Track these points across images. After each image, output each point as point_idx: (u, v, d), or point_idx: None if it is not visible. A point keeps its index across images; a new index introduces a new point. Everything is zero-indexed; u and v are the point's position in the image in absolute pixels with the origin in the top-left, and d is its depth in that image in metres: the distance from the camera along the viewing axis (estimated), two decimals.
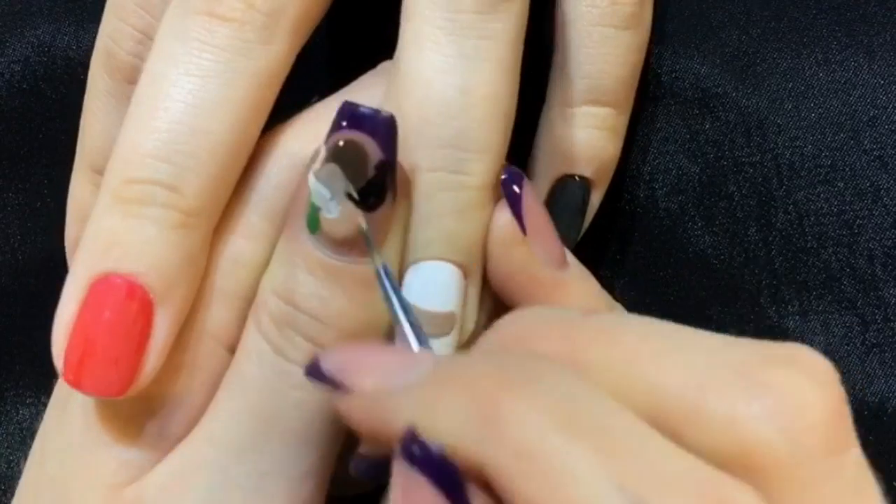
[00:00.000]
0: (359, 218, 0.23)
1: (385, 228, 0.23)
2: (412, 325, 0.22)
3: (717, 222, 0.30)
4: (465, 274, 0.25)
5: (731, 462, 0.18)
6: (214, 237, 0.25)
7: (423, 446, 0.18)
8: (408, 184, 0.24)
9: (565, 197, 0.29)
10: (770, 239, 0.30)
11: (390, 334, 0.24)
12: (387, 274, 0.23)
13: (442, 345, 0.25)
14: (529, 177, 0.30)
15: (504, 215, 0.25)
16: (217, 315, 0.25)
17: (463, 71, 0.24)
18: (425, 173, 0.24)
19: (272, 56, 0.24)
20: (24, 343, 0.32)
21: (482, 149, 0.24)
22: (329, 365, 0.21)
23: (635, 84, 0.29)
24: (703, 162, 0.30)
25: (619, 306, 0.26)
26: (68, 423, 0.25)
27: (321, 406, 0.24)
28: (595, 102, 0.28)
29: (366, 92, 0.25)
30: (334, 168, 0.22)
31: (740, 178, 0.30)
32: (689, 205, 0.31)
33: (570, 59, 0.28)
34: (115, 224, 0.23)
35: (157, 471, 0.24)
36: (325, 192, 0.22)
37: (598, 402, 0.18)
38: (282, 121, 0.26)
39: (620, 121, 0.29)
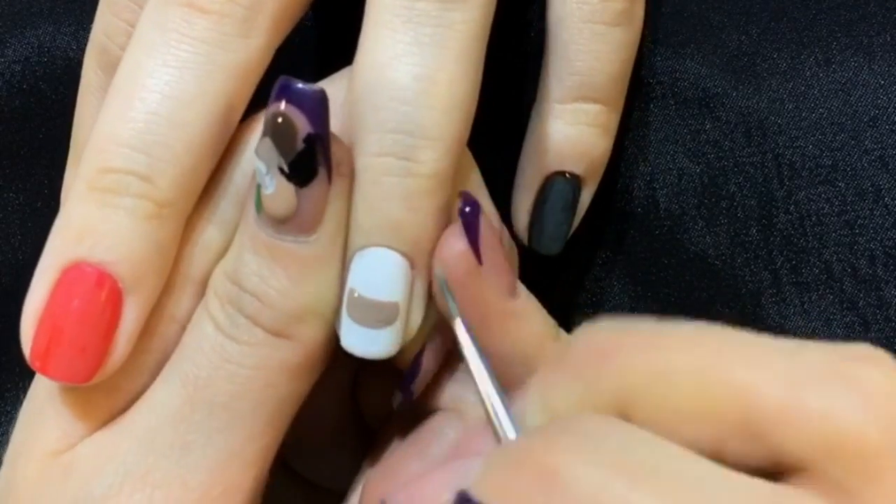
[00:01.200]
0: (291, 193, 0.23)
1: (320, 206, 0.23)
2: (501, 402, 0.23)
3: (718, 223, 0.30)
4: (412, 265, 0.24)
5: (823, 457, 0.18)
6: (187, 224, 0.25)
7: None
8: (349, 164, 0.24)
9: (555, 194, 0.29)
10: (771, 239, 0.30)
11: (332, 321, 0.24)
12: (474, 341, 0.24)
13: (385, 336, 0.24)
14: (519, 174, 0.30)
15: (459, 244, 0.24)
16: (181, 300, 0.25)
17: (417, 57, 0.24)
18: (373, 157, 0.24)
19: (251, 49, 0.24)
20: None
21: (433, 136, 0.24)
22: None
23: (626, 81, 0.29)
24: (703, 162, 0.30)
25: (563, 332, 0.26)
26: (34, 399, 0.26)
27: (252, 384, 0.24)
28: (585, 99, 0.28)
29: (339, 83, 0.25)
30: (267, 142, 0.22)
31: (741, 179, 0.30)
32: (690, 205, 0.31)
33: (561, 55, 0.28)
34: (88, 212, 0.23)
35: (91, 437, 0.25)
36: (262, 167, 0.23)
37: (650, 444, 0.18)
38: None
39: (611, 118, 0.29)
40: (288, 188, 0.23)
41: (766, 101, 0.30)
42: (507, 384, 0.24)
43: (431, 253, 0.25)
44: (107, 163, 0.23)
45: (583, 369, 0.20)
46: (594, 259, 0.32)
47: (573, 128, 0.28)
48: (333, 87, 0.24)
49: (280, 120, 0.22)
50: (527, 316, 0.25)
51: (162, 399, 0.24)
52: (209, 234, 0.25)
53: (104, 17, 0.27)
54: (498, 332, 0.25)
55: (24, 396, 0.29)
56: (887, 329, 0.29)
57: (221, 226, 0.25)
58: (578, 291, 0.32)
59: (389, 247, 0.24)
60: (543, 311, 0.26)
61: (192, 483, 0.24)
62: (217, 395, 0.24)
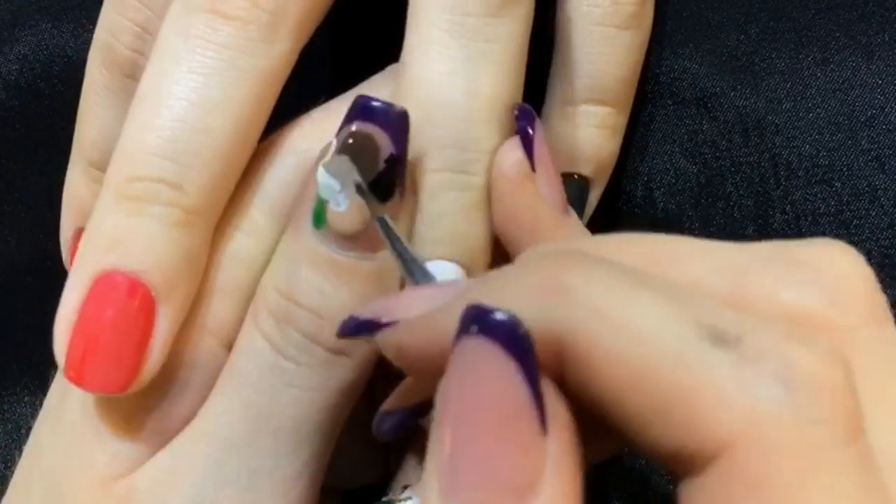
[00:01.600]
0: (369, 210, 0.23)
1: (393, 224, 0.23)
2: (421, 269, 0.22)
3: (715, 223, 0.30)
4: (468, 273, 0.25)
5: (782, 341, 0.17)
6: (216, 233, 0.25)
7: (488, 313, 0.16)
8: (413, 182, 0.24)
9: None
10: (767, 239, 0.30)
11: None
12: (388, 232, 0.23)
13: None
14: None
15: (516, 152, 0.24)
16: (216, 311, 0.25)
17: (469, 74, 0.24)
18: (431, 173, 0.24)
19: (275, 55, 0.24)
20: (21, 342, 0.32)
21: (485, 150, 0.24)
22: (366, 312, 0.21)
23: (635, 83, 0.29)
24: (700, 162, 0.30)
25: None
26: (65, 416, 0.25)
27: (314, 405, 0.24)
28: (595, 101, 0.28)
29: (374, 92, 0.25)
30: (345, 160, 0.22)
31: (738, 179, 0.30)
32: (687, 205, 0.31)
33: (571, 58, 0.28)
34: (118, 221, 0.23)
35: (149, 464, 0.24)
36: (335, 185, 0.22)
37: (657, 276, 0.18)
38: (288, 120, 0.26)
39: (620, 120, 0.29)
40: (362, 206, 0.23)
41: (763, 100, 0.30)
42: None
43: (486, 259, 0.25)
44: (135, 171, 0.23)
45: (527, 299, 0.18)
46: None
47: (583, 130, 0.29)
48: (375, 94, 0.24)
49: (363, 139, 0.22)
50: (576, 234, 0.25)
51: (223, 427, 0.24)
52: (240, 241, 0.25)
53: (109, 15, 0.27)
54: (548, 242, 0.24)
55: (21, 395, 0.29)
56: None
57: (251, 234, 0.25)
58: None
59: (452, 259, 0.24)
60: (590, 236, 0.26)
61: None
62: (281, 421, 0.24)
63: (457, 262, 0.25)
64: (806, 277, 0.18)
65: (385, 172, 0.23)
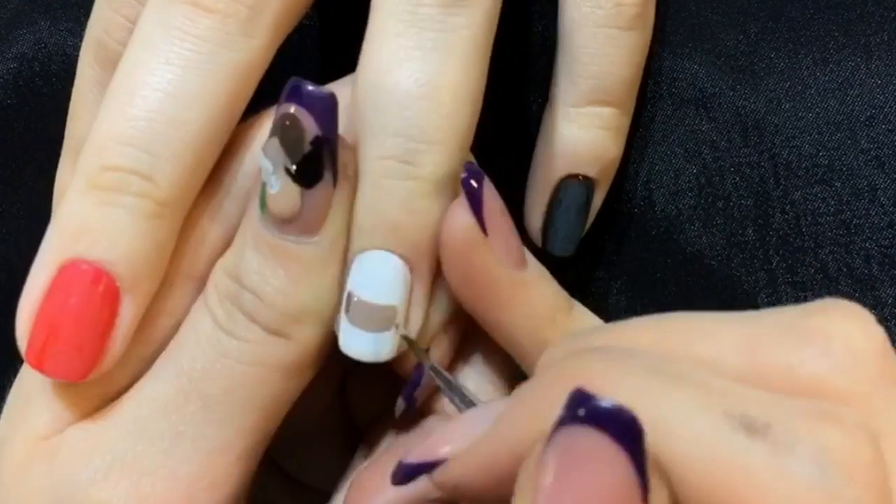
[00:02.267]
0: (296, 193, 0.23)
1: (324, 208, 0.23)
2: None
3: (715, 223, 0.30)
4: (412, 269, 0.24)
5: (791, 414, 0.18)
6: (184, 220, 0.25)
7: (595, 400, 0.16)
8: (354, 167, 0.24)
9: (569, 196, 0.29)
10: (767, 239, 0.30)
11: (329, 322, 0.24)
12: (436, 372, 0.24)
13: (383, 339, 0.24)
14: (532, 176, 0.30)
15: (464, 216, 0.24)
16: (178, 295, 0.25)
17: (420, 62, 0.24)
18: (374, 160, 0.24)
19: (254, 49, 0.24)
20: None
21: (435, 140, 0.24)
22: (414, 457, 0.22)
23: (638, 84, 0.29)
24: (700, 162, 0.30)
25: (577, 304, 0.26)
26: (21, 382, 0.26)
27: (246, 378, 0.24)
28: (599, 103, 0.28)
29: (347, 86, 0.25)
30: (275, 141, 0.22)
31: (737, 179, 0.30)
32: (687, 205, 0.30)
33: (575, 59, 0.28)
34: (88, 210, 0.23)
35: (79, 423, 0.25)
36: (269, 167, 0.23)
37: (671, 361, 0.18)
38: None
39: (623, 121, 0.29)
40: (293, 189, 0.23)
41: (763, 100, 0.30)
42: (518, 358, 0.24)
43: (432, 257, 0.24)
44: (108, 160, 0.23)
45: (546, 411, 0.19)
46: (591, 259, 0.32)
47: (587, 131, 0.29)
48: (342, 89, 0.24)
49: (289, 121, 0.22)
50: (536, 287, 0.25)
51: (155, 389, 0.24)
52: (208, 230, 0.25)
53: (102, 12, 0.27)
54: (506, 304, 0.24)
55: None
56: (883, 329, 0.29)
57: (221, 223, 0.25)
58: (575, 292, 0.32)
59: (388, 249, 0.24)
60: (555, 284, 0.25)
61: (180, 473, 0.24)
62: (211, 389, 0.24)
63: (396, 253, 0.24)
64: (817, 349, 0.18)
65: (311, 155, 0.22)
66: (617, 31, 0.28)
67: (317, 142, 0.22)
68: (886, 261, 0.29)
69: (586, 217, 0.30)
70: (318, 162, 0.23)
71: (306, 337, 0.24)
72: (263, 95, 0.25)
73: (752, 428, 0.16)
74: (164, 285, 0.25)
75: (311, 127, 0.22)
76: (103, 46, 0.27)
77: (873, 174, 0.29)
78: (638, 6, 0.28)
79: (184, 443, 0.24)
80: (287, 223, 0.23)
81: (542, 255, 0.29)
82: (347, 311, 0.24)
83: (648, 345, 0.19)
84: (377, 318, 0.24)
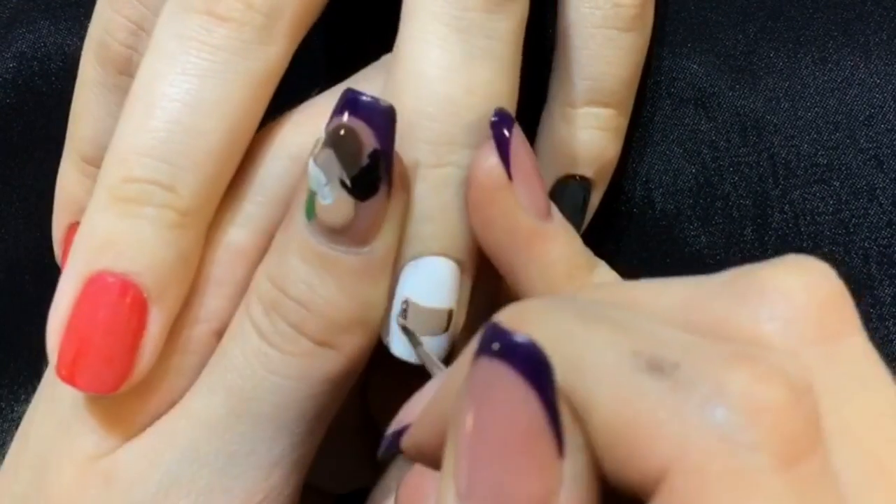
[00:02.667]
0: (350, 205, 0.23)
1: (378, 220, 0.23)
2: None
3: (714, 222, 0.30)
4: (462, 270, 0.25)
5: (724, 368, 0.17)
6: (210, 226, 0.25)
7: (507, 335, 0.16)
8: (406, 178, 0.24)
9: (566, 196, 0.29)
10: (766, 239, 0.30)
11: (376, 330, 0.24)
12: (427, 358, 0.24)
13: (437, 343, 0.25)
14: None
15: (490, 158, 0.24)
16: (209, 302, 0.25)
17: (469, 70, 0.24)
18: (431, 169, 0.24)
19: (270, 56, 0.24)
20: (19, 340, 0.32)
21: None
22: (391, 426, 0.22)
23: (636, 85, 0.29)
24: (699, 162, 0.30)
25: (602, 264, 0.26)
26: (55, 401, 0.26)
27: (296, 393, 0.24)
28: (597, 103, 0.28)
29: (367, 84, 0.25)
30: (330, 153, 0.22)
31: (736, 178, 0.30)
32: (686, 205, 0.30)
33: (573, 60, 0.28)
34: (111, 223, 0.23)
35: (131, 443, 0.25)
36: (322, 178, 0.23)
37: (607, 306, 0.18)
38: (281, 114, 0.26)
39: (621, 122, 0.29)
40: (347, 201, 0.23)
41: (762, 100, 0.30)
42: None
43: (479, 259, 0.25)
44: (129, 172, 0.23)
45: None
46: None
47: (585, 132, 0.29)
48: (368, 85, 0.24)
49: (347, 133, 0.22)
50: (557, 240, 0.25)
51: (205, 408, 0.24)
52: (233, 234, 0.25)
53: (104, 12, 0.27)
54: (525, 254, 0.24)
55: (19, 394, 0.29)
56: (881, 328, 0.29)
57: (246, 227, 0.25)
58: None
59: (447, 254, 0.24)
60: (579, 243, 0.25)
61: (235, 490, 0.24)
62: (262, 407, 0.24)
63: (453, 258, 0.24)
64: (752, 303, 0.18)
65: (368, 168, 0.22)
66: (615, 31, 0.28)
67: (375, 155, 0.22)
68: (885, 260, 0.29)
69: (583, 217, 0.30)
70: (375, 175, 0.23)
71: (353, 346, 0.24)
72: (279, 99, 0.25)
73: (657, 367, 0.16)
74: (193, 293, 0.25)
75: (369, 140, 0.22)
76: (104, 47, 0.27)
77: (872, 174, 0.29)
78: (636, 7, 0.28)
79: (237, 461, 0.24)
80: (338, 234, 0.23)
81: None
82: (404, 317, 0.24)
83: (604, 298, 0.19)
84: (433, 322, 0.24)
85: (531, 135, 0.30)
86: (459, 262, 0.25)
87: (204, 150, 0.23)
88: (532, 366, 0.16)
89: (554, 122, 0.29)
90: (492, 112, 0.24)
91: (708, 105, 0.30)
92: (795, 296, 0.18)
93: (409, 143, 0.24)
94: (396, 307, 0.24)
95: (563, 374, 0.16)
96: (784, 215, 0.29)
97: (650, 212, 0.31)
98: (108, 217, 0.23)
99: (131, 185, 0.23)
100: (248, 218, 0.25)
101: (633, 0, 0.28)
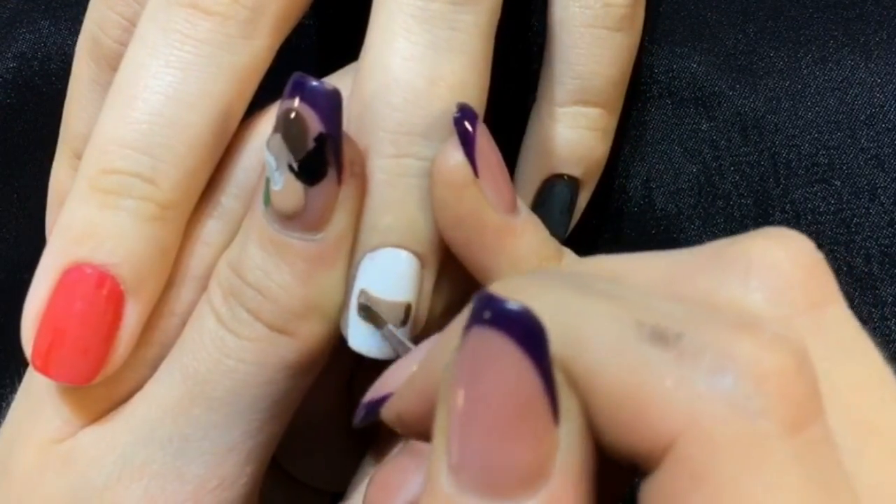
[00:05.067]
0: (300, 190, 0.23)
1: (328, 205, 0.23)
2: None
3: (715, 222, 0.30)
4: (423, 263, 0.24)
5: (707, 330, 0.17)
6: (188, 219, 0.25)
7: (500, 303, 0.16)
8: (361, 164, 0.24)
9: (553, 196, 0.29)
10: None
11: (334, 320, 0.24)
12: (392, 337, 0.24)
13: (392, 334, 0.24)
14: (518, 175, 0.30)
15: (455, 155, 0.23)
16: (182, 295, 0.25)
17: (432, 60, 0.24)
18: (389, 159, 0.24)
19: (254, 51, 0.24)
20: (19, 340, 0.32)
21: (446, 138, 0.24)
22: (368, 395, 0.22)
23: (626, 85, 0.29)
24: (700, 161, 0.30)
25: (569, 252, 0.25)
26: (32, 388, 0.26)
27: (251, 378, 0.24)
28: (585, 103, 0.28)
29: (343, 80, 0.25)
30: (278, 138, 0.22)
31: (737, 178, 0.30)
32: (687, 204, 0.30)
33: (562, 59, 0.28)
34: (91, 214, 0.23)
35: (91, 427, 0.25)
36: (273, 163, 0.23)
37: (600, 280, 0.18)
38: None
39: (610, 122, 0.29)
40: (296, 186, 0.23)
41: (762, 99, 0.30)
42: None
43: (441, 252, 0.25)
44: (109, 164, 0.23)
45: None
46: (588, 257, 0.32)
47: (573, 131, 0.28)
48: (340, 83, 0.24)
49: (292, 117, 0.22)
50: (525, 234, 0.24)
51: (162, 392, 0.24)
52: (211, 228, 0.25)
53: (97, 8, 0.27)
54: (494, 250, 0.24)
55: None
56: (883, 328, 0.29)
57: (222, 219, 0.25)
58: None
59: (406, 246, 0.24)
60: (546, 233, 0.25)
61: (188, 475, 0.24)
62: (216, 391, 0.24)
63: (411, 250, 0.24)
64: (737, 274, 0.18)
65: (314, 151, 0.22)
66: (605, 31, 0.28)
67: (320, 139, 0.22)
68: (886, 259, 0.29)
69: (570, 217, 0.29)
70: (321, 159, 0.23)
71: (310, 334, 0.24)
72: (262, 95, 0.25)
73: (662, 337, 0.16)
74: (168, 285, 0.25)
75: (314, 124, 0.22)
76: (98, 44, 0.27)
77: (873, 173, 0.29)
78: (626, 7, 0.28)
79: (191, 445, 0.24)
80: (291, 219, 0.23)
81: None
82: (362, 309, 0.24)
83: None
84: (391, 316, 0.24)
85: (520, 133, 0.30)
86: (419, 255, 0.24)
87: (185, 144, 0.23)
88: (526, 333, 0.16)
89: (542, 120, 0.29)
90: (454, 106, 0.24)
91: (708, 105, 0.30)
92: (781, 266, 0.18)
93: (370, 132, 0.24)
94: (353, 300, 0.24)
95: (561, 345, 0.16)
96: (785, 215, 0.29)
97: (651, 212, 0.31)
98: (88, 208, 0.23)
99: (111, 177, 0.23)
100: (225, 211, 0.25)
101: (623, 0, 0.28)
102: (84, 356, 0.23)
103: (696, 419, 0.15)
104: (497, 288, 0.17)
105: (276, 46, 0.25)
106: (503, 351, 0.16)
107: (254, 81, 0.25)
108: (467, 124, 0.23)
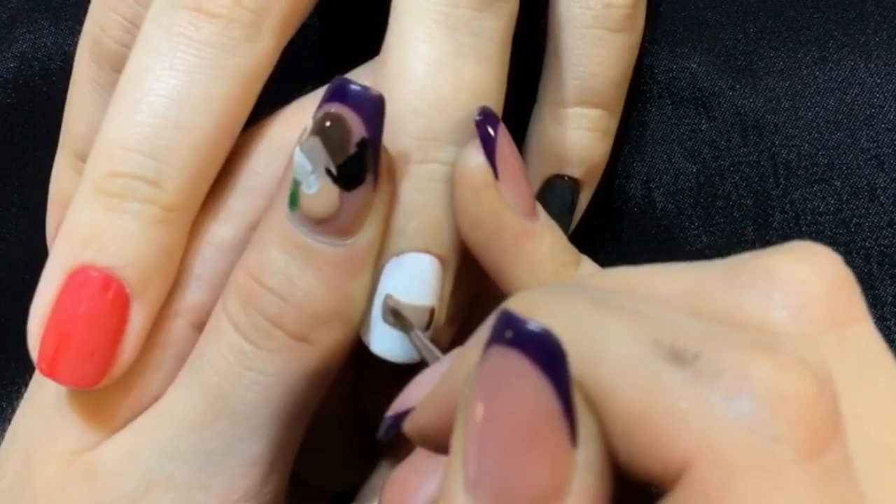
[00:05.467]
0: (335, 195, 0.22)
1: (363, 211, 0.23)
2: None
3: (715, 222, 0.30)
4: (444, 266, 0.24)
5: (730, 350, 0.17)
6: (194, 220, 0.25)
7: (520, 322, 0.16)
8: (393, 170, 0.24)
9: (554, 196, 0.29)
10: (767, 238, 0.30)
11: (355, 326, 0.24)
12: (421, 342, 0.24)
13: (419, 338, 0.24)
14: None
15: (476, 157, 0.23)
16: (190, 296, 0.25)
17: (457, 67, 0.24)
18: (417, 164, 0.24)
19: (257, 54, 0.24)
20: (20, 340, 0.32)
21: None
22: (391, 409, 0.22)
23: (626, 86, 0.29)
24: (700, 161, 0.30)
25: (585, 258, 0.26)
26: (40, 397, 0.26)
27: (273, 390, 0.24)
28: (587, 104, 0.28)
29: (363, 80, 0.25)
30: (317, 141, 0.22)
31: (737, 178, 0.30)
32: (687, 204, 0.30)
33: (563, 60, 0.28)
34: (95, 217, 0.23)
35: (114, 438, 0.25)
36: (307, 166, 0.22)
37: (620, 295, 0.18)
38: (271, 113, 0.26)
39: (611, 123, 0.29)
40: (332, 190, 0.22)
41: (762, 99, 0.30)
42: None
43: (462, 254, 0.25)
44: (114, 167, 0.23)
45: None
46: (590, 258, 0.32)
47: (574, 132, 0.28)
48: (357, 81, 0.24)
49: (333, 121, 0.22)
50: (543, 238, 0.24)
51: (184, 405, 0.24)
52: (216, 229, 0.25)
53: (98, 9, 0.27)
54: (512, 253, 0.24)
55: (20, 394, 0.29)
56: (882, 328, 0.29)
57: (229, 222, 0.25)
58: None
59: (430, 251, 0.24)
60: (564, 239, 0.25)
61: (213, 488, 0.24)
62: (239, 405, 0.24)
63: (435, 254, 0.24)
64: (760, 289, 0.18)
65: (356, 157, 0.22)
66: (606, 32, 0.28)
67: (362, 144, 0.22)
68: (886, 259, 0.29)
69: (571, 217, 0.29)
70: (361, 164, 0.22)
71: (331, 341, 0.24)
72: (267, 97, 0.25)
73: (679, 356, 0.16)
74: (174, 286, 0.25)
75: (358, 129, 0.22)
76: (99, 44, 0.27)
77: (873, 173, 0.29)
78: (627, 8, 0.28)
79: (215, 458, 0.24)
80: (321, 224, 0.23)
81: None
82: (385, 313, 0.24)
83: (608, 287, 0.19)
84: (415, 320, 0.24)
85: (521, 134, 0.30)
86: (442, 259, 0.24)
87: (190, 146, 0.23)
88: (547, 355, 0.16)
89: (543, 121, 0.29)
90: (477, 110, 0.24)
91: (708, 105, 0.30)
92: (807, 282, 0.18)
93: (395, 138, 0.24)
94: (378, 304, 0.24)
95: (577, 362, 0.16)
96: (785, 215, 0.29)
97: (651, 212, 0.31)
98: (93, 211, 0.23)
99: (116, 180, 0.23)
100: (232, 212, 0.25)
101: (624, 1, 0.28)
102: (90, 359, 0.23)
103: (711, 442, 0.15)
104: (514, 303, 0.17)
105: (280, 48, 0.25)
106: (522, 372, 0.16)
107: (258, 84, 0.25)
108: (489, 127, 0.24)
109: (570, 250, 0.25)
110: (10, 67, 0.32)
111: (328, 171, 0.22)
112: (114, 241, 0.23)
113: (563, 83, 0.28)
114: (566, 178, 0.29)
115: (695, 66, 0.30)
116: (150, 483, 0.24)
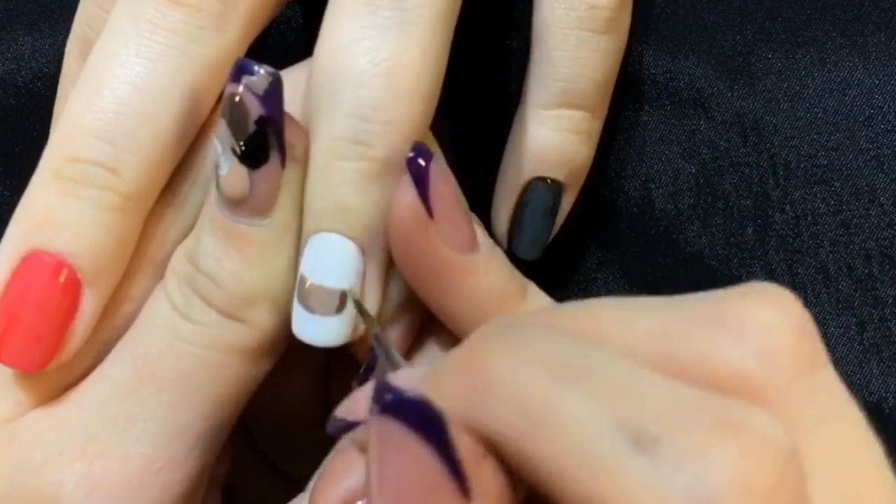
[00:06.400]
0: (244, 175, 0.23)
1: (273, 189, 0.23)
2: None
3: (714, 223, 0.30)
4: (364, 252, 0.24)
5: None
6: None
7: (393, 392, 0.16)
8: (304, 148, 0.24)
9: (536, 199, 0.29)
10: (767, 239, 0.30)
11: (286, 307, 0.24)
12: (378, 341, 0.23)
13: (335, 324, 0.24)
14: (500, 178, 0.30)
15: (408, 196, 0.23)
16: (140, 281, 0.25)
17: (375, 41, 0.23)
18: (326, 141, 0.23)
19: (224, 44, 0.24)
20: None
21: (388, 121, 0.23)
22: (339, 412, 0.22)
23: (611, 88, 0.29)
24: (699, 162, 0.30)
25: (532, 287, 0.25)
26: None
27: (202, 363, 0.24)
28: (570, 106, 0.28)
29: (305, 70, 0.25)
30: (223, 123, 0.22)
31: (736, 179, 0.30)
32: (686, 205, 0.31)
33: (547, 61, 0.28)
34: (51, 201, 0.23)
35: (41, 406, 0.24)
36: (219, 148, 0.23)
37: (584, 347, 0.18)
38: None
39: (594, 125, 0.29)
40: (241, 170, 0.23)
41: (761, 101, 0.30)
42: None
43: (385, 239, 0.24)
44: (73, 152, 0.23)
45: (458, 394, 0.18)
46: (590, 259, 0.32)
47: (556, 134, 0.28)
48: (300, 73, 0.24)
49: (232, 101, 0.22)
50: (487, 273, 0.24)
51: (111, 372, 0.24)
52: (171, 217, 0.25)
53: (87, 7, 0.27)
54: (452, 290, 0.24)
55: None
56: (883, 328, 0.29)
57: (184, 209, 0.25)
58: (573, 292, 0.32)
59: (339, 232, 0.24)
60: (510, 269, 0.25)
61: (132, 455, 0.24)
62: (165, 372, 0.24)
63: (347, 236, 0.24)
64: (731, 335, 0.18)
65: (256, 135, 0.22)
66: (590, 34, 0.28)
67: (261, 121, 0.22)
68: (886, 261, 0.29)
69: (553, 221, 0.29)
70: (263, 142, 0.22)
71: (262, 321, 0.24)
72: None
73: (639, 441, 0.16)
74: (127, 271, 0.25)
75: (254, 107, 0.22)
76: (87, 41, 0.27)
77: (872, 174, 0.29)
78: (612, 10, 0.28)
79: (137, 425, 0.24)
80: (238, 205, 0.23)
81: (540, 257, 0.30)
82: (300, 294, 0.24)
83: (575, 328, 0.19)
84: (329, 302, 0.24)
85: (503, 136, 0.30)
86: (357, 242, 0.24)
87: (151, 135, 0.23)
88: (423, 420, 0.16)
89: (526, 123, 0.29)
90: (400, 86, 0.23)
91: (707, 106, 0.30)
92: (776, 328, 0.18)
93: (313, 115, 0.24)
94: (296, 285, 0.24)
95: (520, 423, 0.16)
96: (785, 216, 0.30)
97: (650, 212, 0.31)
98: (49, 195, 0.23)
99: (74, 165, 0.23)
100: (185, 200, 0.25)
101: (608, 2, 0.27)
102: (37, 344, 0.23)
103: None
104: (461, 353, 0.18)
105: (249, 41, 0.25)
106: (402, 438, 0.16)
107: (224, 75, 0.24)
108: (421, 162, 0.23)
109: (515, 280, 0.25)
110: (9, 69, 0.32)
111: (234, 151, 0.22)
112: (69, 226, 0.23)
113: (546, 84, 0.28)
114: (548, 180, 0.29)
115: (693, 67, 0.31)
116: (66, 446, 0.24)
